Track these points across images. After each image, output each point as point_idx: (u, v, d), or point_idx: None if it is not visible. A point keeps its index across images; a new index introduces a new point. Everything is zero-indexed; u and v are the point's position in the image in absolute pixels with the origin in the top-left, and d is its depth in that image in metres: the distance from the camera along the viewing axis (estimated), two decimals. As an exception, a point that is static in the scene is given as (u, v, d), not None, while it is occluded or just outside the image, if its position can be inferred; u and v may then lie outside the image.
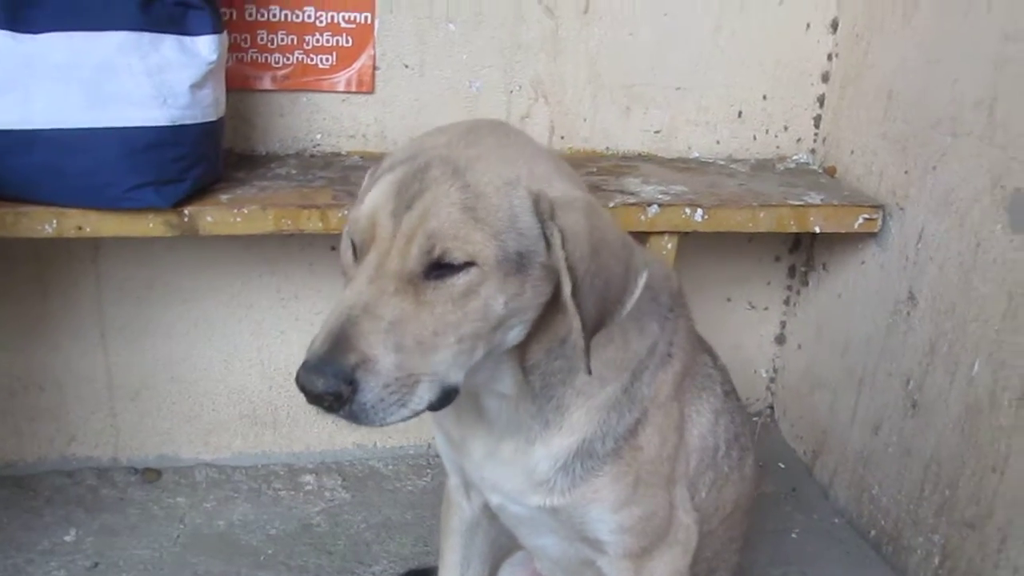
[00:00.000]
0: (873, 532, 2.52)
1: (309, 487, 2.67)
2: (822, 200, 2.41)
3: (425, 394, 1.21)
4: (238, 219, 2.13)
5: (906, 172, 2.38)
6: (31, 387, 2.56)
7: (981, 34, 2.14)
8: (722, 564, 1.88)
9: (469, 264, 1.21)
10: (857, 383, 2.59)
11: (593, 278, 1.27)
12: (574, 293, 1.25)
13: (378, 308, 1.18)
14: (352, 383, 1.14)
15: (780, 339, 2.94)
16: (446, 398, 1.26)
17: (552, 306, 1.33)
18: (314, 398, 1.16)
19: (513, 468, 1.50)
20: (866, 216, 2.42)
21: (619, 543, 1.53)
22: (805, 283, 2.85)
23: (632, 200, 2.30)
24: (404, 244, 1.21)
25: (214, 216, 2.12)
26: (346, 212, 2.15)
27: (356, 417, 1.17)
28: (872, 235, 2.48)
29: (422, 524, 2.53)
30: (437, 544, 2.42)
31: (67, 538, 2.41)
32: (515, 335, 1.33)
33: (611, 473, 1.46)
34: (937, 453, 2.28)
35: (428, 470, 2.77)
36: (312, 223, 2.15)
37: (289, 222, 2.15)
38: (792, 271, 2.88)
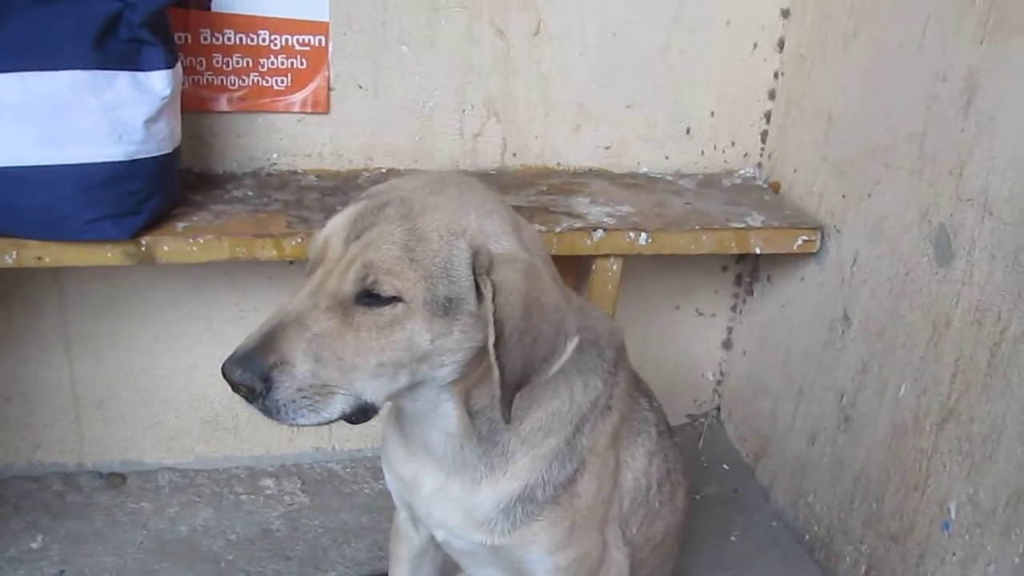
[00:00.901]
0: (808, 537, 2.65)
1: (269, 491, 2.76)
2: (763, 222, 2.49)
3: (338, 406, 1.32)
4: (194, 248, 2.19)
5: (843, 196, 2.47)
6: (-3, 397, 2.65)
7: (913, 69, 2.21)
8: (654, 583, 2.01)
9: (396, 299, 1.32)
10: (796, 393, 2.70)
11: (521, 335, 1.35)
12: (496, 345, 1.34)
13: (308, 320, 1.31)
14: (267, 380, 1.26)
15: (727, 344, 3.05)
16: (363, 414, 1.37)
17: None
18: (233, 387, 1.29)
19: (458, 506, 1.60)
20: (804, 238, 2.51)
21: (554, 580, 1.64)
22: (751, 292, 2.95)
23: (579, 224, 2.37)
24: (344, 268, 1.33)
25: (170, 246, 2.19)
26: (299, 240, 2.22)
27: (269, 412, 1.29)
28: (812, 254, 2.57)
29: (377, 529, 2.63)
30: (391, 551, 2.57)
31: (33, 545, 2.50)
32: (446, 373, 1.42)
33: (549, 518, 1.56)
34: (866, 467, 2.40)
35: (384, 474, 2.86)
36: (266, 251, 2.22)
37: (244, 250, 2.21)
38: (739, 279, 2.97)
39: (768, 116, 2.78)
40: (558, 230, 2.35)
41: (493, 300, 1.34)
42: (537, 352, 1.38)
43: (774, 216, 2.55)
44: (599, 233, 2.36)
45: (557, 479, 1.57)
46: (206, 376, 2.72)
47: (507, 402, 1.37)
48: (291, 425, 1.33)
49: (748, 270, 2.93)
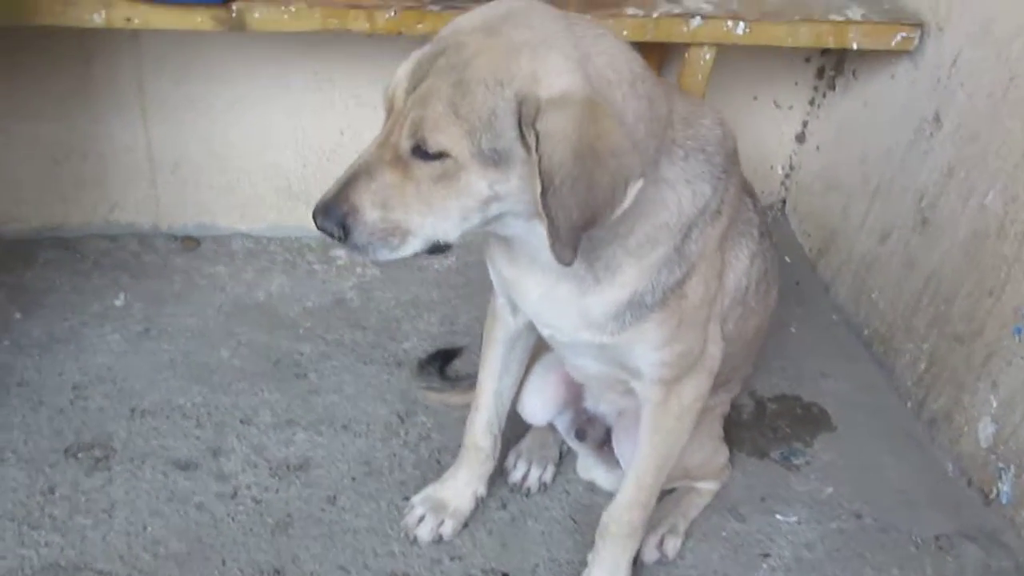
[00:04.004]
0: (866, 332, 2.72)
1: (341, 262, 2.81)
2: (863, 15, 2.41)
3: (413, 245, 1.43)
4: (285, 16, 2.14)
5: (951, -8, 2.38)
6: (74, 155, 2.64)
7: None
8: (736, 375, 2.08)
9: (443, 154, 1.36)
10: (871, 191, 2.70)
11: (574, 182, 1.34)
12: (544, 194, 1.34)
13: (374, 171, 1.40)
14: (344, 227, 1.40)
15: (800, 138, 3.01)
16: (438, 249, 1.46)
17: None
18: (320, 230, 1.43)
19: (567, 308, 1.63)
20: (904, 35, 2.44)
21: (656, 373, 1.71)
22: (832, 87, 2.88)
23: (677, 10, 2.30)
24: (402, 122, 1.38)
25: (262, 13, 2.13)
26: (393, 14, 2.16)
27: (354, 249, 1.44)
28: (907, 52, 2.50)
29: (447, 303, 2.70)
30: (463, 324, 2.65)
31: (116, 303, 2.58)
32: (521, 209, 1.43)
33: (657, 319, 1.60)
34: (939, 269, 2.43)
35: (452, 252, 2.91)
36: (359, 23, 2.17)
37: (336, 21, 2.16)
38: (820, 73, 2.90)
39: (873, -102, 2.63)
40: (655, 15, 2.27)
41: (538, 150, 1.33)
42: (595, 198, 1.36)
43: (873, 9, 2.46)
44: (697, 20, 2.29)
45: (666, 284, 1.59)
46: (280, 144, 2.72)
47: (569, 246, 1.38)
48: (375, 261, 1.52)
49: (832, 63, 2.86)
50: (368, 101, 2.67)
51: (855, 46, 2.41)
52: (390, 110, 1.43)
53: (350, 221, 1.40)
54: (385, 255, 1.43)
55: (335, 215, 1.40)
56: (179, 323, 2.54)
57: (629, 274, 1.57)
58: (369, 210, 1.40)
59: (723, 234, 1.65)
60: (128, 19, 2.07)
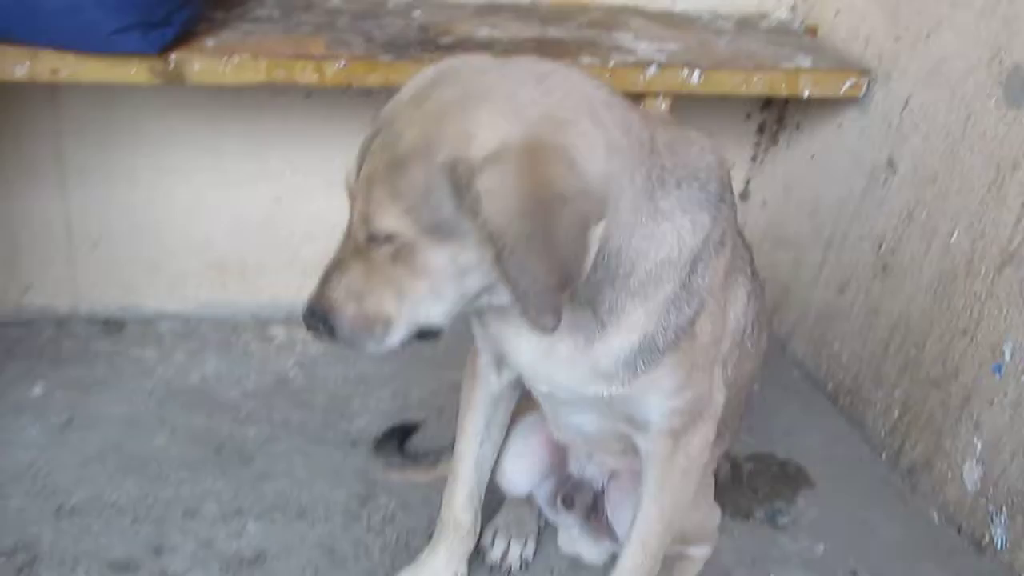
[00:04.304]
0: (831, 385, 2.66)
1: (279, 340, 2.63)
2: (812, 64, 2.41)
3: (396, 334, 1.37)
4: (228, 68, 2.00)
5: (896, 38, 2.39)
6: (-19, 233, 2.42)
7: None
8: (727, 430, 1.96)
9: (392, 236, 1.30)
10: (825, 243, 2.67)
11: (528, 240, 1.22)
12: (500, 261, 1.24)
13: (343, 265, 1.37)
14: (328, 325, 1.37)
15: (744, 195, 2.99)
16: (428, 334, 1.40)
17: None
18: (310, 331, 1.41)
19: (572, 362, 1.50)
20: (852, 81, 2.44)
21: (666, 424, 1.57)
22: (775, 141, 2.88)
23: (631, 59, 2.25)
24: (355, 212, 1.34)
25: (202, 64, 1.99)
26: (343, 64, 2.04)
27: (346, 346, 1.40)
28: (853, 99, 2.50)
29: (399, 378, 2.54)
30: (417, 399, 2.49)
31: (34, 392, 2.34)
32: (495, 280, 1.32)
33: (670, 363, 1.48)
34: (906, 314, 2.39)
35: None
36: (307, 75, 2.04)
37: (283, 72, 2.03)
38: (762, 128, 2.89)
39: (806, -45, 2.67)
40: (611, 64, 2.22)
41: (481, 214, 1.23)
42: (557, 253, 1.24)
43: (819, 59, 2.46)
44: (653, 69, 2.24)
45: (678, 323, 1.47)
46: (211, 215, 2.54)
47: (546, 311, 1.26)
48: (370, 355, 1.53)
49: (775, 117, 2.85)
50: (304, 168, 2.53)
51: (807, 94, 2.40)
52: (352, 199, 1.37)
53: (331, 318, 1.37)
54: (374, 347, 1.39)
55: (318, 315, 1.38)
56: (106, 411, 2.31)
57: (636, 316, 1.44)
58: (344, 305, 1.36)
59: (728, 266, 1.55)
60: (55, 71, 1.90)
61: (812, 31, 2.64)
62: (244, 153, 2.48)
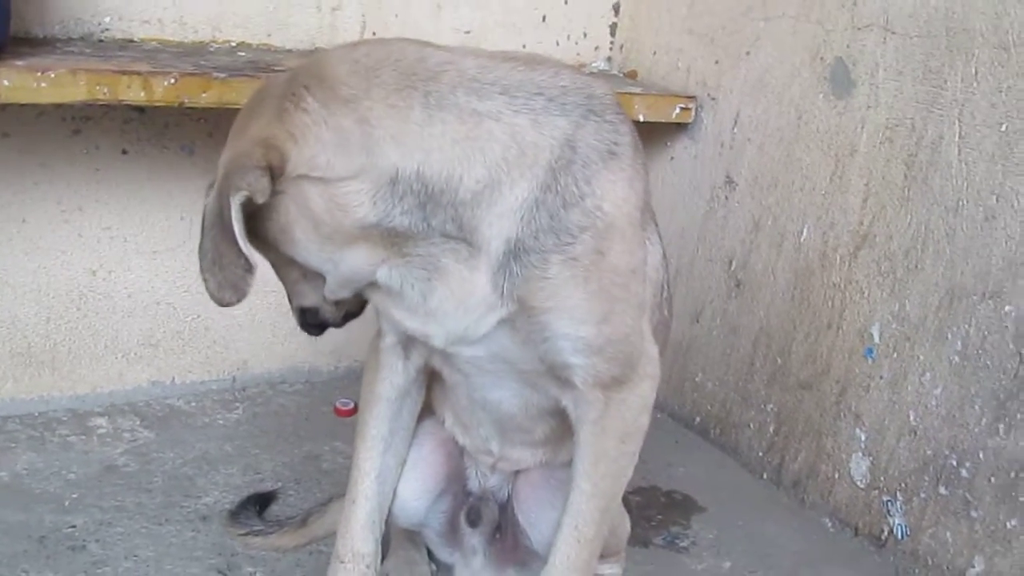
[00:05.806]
0: (698, 419, 2.59)
1: (103, 430, 2.30)
2: (643, 90, 2.45)
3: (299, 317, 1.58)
4: (43, 84, 1.79)
5: (717, 62, 2.48)
6: None
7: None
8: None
9: None
10: (672, 275, 2.65)
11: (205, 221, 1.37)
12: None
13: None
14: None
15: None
16: (315, 316, 1.55)
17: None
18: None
19: (463, 299, 1.36)
20: (682, 106, 2.50)
21: (589, 367, 1.41)
22: (607, 190, 2.88)
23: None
24: None
25: (12, 80, 1.77)
26: (172, 81, 1.88)
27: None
28: (683, 129, 2.56)
29: (247, 454, 2.27)
30: (270, 471, 2.22)
31: None
32: (333, 263, 1.37)
33: (567, 277, 1.34)
34: (767, 324, 2.38)
35: (237, 404, 2.49)
36: (133, 92, 1.86)
37: (106, 89, 1.83)
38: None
39: (617, 8, 2.77)
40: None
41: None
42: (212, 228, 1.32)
43: (648, 89, 2.52)
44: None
45: (554, 227, 1.32)
46: (17, 293, 2.23)
47: (227, 287, 1.33)
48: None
49: (605, 166, 2.88)
50: (122, 233, 2.30)
51: (641, 118, 2.42)
52: None
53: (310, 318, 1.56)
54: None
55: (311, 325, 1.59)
56: None
57: (494, 225, 1.31)
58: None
59: (638, 192, 1.42)
60: None
61: (632, 75, 2.72)
62: (53, 220, 2.22)
